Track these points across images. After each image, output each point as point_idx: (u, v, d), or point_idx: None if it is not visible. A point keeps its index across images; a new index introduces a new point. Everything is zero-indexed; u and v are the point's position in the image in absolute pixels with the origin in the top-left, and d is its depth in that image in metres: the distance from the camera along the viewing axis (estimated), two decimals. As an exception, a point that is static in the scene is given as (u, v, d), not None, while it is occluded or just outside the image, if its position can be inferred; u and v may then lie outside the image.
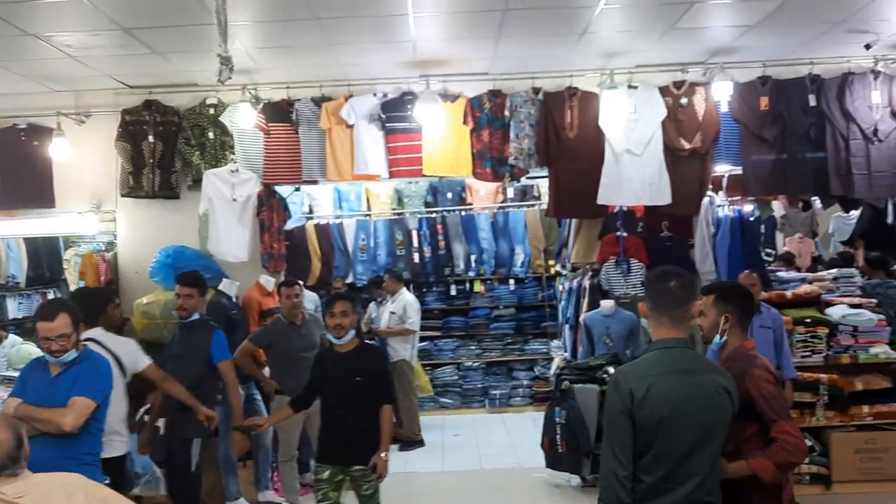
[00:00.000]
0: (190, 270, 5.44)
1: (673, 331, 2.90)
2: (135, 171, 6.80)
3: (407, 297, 8.34)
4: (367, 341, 4.93)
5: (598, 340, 6.82)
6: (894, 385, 6.05)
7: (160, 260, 6.52)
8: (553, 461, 6.39)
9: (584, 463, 6.25)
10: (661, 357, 2.86)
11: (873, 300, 6.28)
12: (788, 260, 8.74)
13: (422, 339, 9.31)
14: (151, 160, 6.81)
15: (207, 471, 6.08)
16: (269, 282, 6.66)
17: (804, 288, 6.50)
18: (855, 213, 8.22)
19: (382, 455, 4.30)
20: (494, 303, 9.92)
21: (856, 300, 6.27)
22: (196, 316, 5.13)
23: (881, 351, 6.04)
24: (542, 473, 6.56)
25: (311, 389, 4.59)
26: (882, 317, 6.12)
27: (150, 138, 6.76)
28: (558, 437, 6.29)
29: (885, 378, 6.06)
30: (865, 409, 5.98)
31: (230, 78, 4.52)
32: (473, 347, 9.85)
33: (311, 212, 9.73)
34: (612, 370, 6.35)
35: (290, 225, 8.54)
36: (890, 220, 7.32)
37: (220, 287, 6.24)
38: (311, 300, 7.58)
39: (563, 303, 8.43)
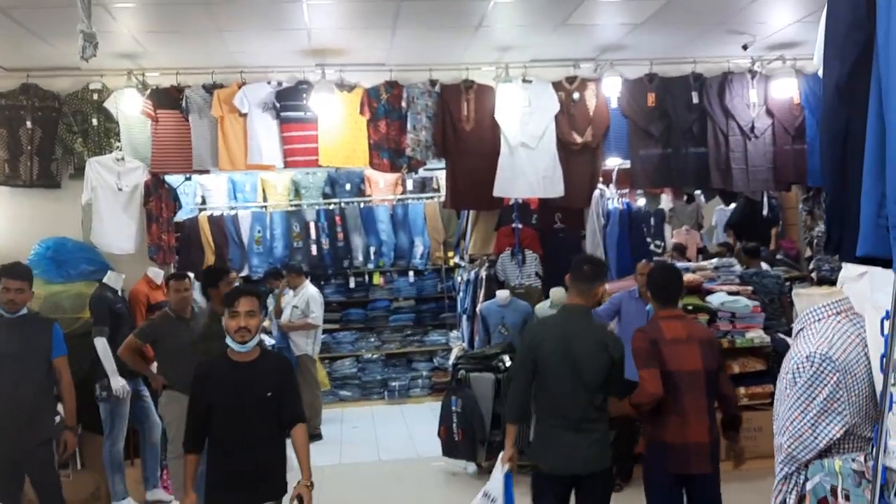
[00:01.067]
0: (17, 262, 5.04)
1: (579, 299, 3.86)
2: (11, 159, 6.44)
3: (310, 290, 8.23)
4: (266, 346, 4.03)
5: (494, 330, 6.93)
6: (768, 368, 6.42)
7: (40, 252, 6.21)
8: (449, 449, 6.46)
9: (479, 450, 6.35)
10: (562, 315, 3.94)
11: (749, 287, 6.64)
12: (681, 251, 9.11)
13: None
14: (29, 147, 6.47)
15: (92, 471, 5.87)
16: (157, 275, 6.44)
17: (687, 276, 6.80)
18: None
19: (308, 484, 3.49)
20: (394, 295, 9.94)
21: (734, 288, 6.61)
22: (25, 310, 4.71)
23: (756, 336, 6.39)
24: (440, 462, 6.62)
25: (200, 419, 3.58)
26: (757, 303, 6.48)
27: (28, 124, 6.42)
28: (454, 425, 6.37)
29: (759, 361, 6.43)
30: (742, 390, 6.32)
31: (94, 55, 4.32)
32: (373, 340, 9.84)
33: (203, 203, 9.46)
34: (507, 359, 6.48)
35: (181, 216, 8.31)
36: (765, 212, 7.76)
37: (105, 280, 5.98)
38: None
39: (461, 294, 8.53)
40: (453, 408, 6.39)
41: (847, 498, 1.85)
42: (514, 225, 7.24)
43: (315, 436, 7.94)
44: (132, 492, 5.88)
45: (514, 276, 7.18)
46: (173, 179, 7.17)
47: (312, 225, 9.44)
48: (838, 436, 2.12)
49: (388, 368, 9.79)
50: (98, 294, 5.85)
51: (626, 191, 7.76)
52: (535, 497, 4.10)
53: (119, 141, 6.52)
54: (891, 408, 1.75)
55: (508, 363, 6.43)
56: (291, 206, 9.66)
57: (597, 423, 3.72)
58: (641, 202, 8.73)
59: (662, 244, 9.86)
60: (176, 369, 5.51)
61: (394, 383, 9.68)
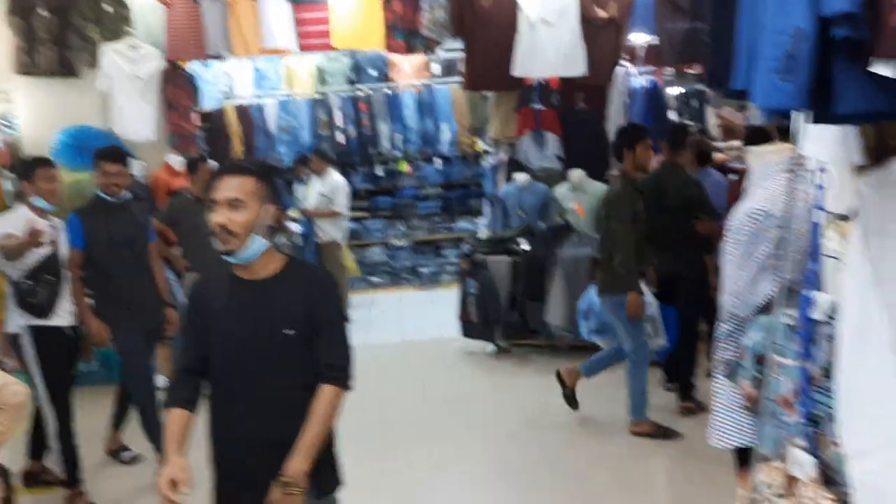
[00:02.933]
0: (110, 145, 5.08)
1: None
2: (28, 48, 6.47)
3: (336, 179, 8.25)
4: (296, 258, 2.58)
5: (513, 213, 6.91)
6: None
7: (63, 140, 6.33)
8: (467, 331, 6.59)
9: (496, 330, 6.46)
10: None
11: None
12: (729, 131, 8.61)
13: (350, 219, 9.35)
14: (45, 35, 6.48)
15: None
16: (177, 162, 6.52)
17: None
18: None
19: (288, 481, 2.18)
20: (421, 182, 9.94)
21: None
22: (129, 195, 4.59)
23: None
24: (459, 342, 6.78)
25: (193, 362, 2.39)
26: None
27: (41, 11, 6.41)
28: (472, 307, 6.46)
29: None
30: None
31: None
32: (401, 227, 9.93)
33: (230, 92, 9.45)
34: (524, 242, 6.48)
35: (207, 105, 8.33)
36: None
37: (125, 167, 6.09)
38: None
39: (486, 179, 8.48)
40: (470, 290, 6.47)
41: (780, 352, 1.83)
42: (533, 106, 7.08)
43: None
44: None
45: (534, 159, 7.08)
46: (196, 68, 7.15)
47: (338, 113, 9.38)
48: (775, 292, 2.07)
49: (416, 255, 9.91)
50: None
51: (653, 68, 7.45)
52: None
53: (133, 27, 6.49)
54: (817, 260, 1.70)
55: (526, 246, 6.44)
56: (317, 94, 9.59)
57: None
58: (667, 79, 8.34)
59: (701, 126, 9.54)
60: (196, 251, 5.65)
61: (423, 269, 9.81)
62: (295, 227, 8.23)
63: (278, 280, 2.29)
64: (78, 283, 4.27)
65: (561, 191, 6.65)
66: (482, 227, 9.12)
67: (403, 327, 7.85)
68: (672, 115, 7.68)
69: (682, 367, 5.06)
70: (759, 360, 1.92)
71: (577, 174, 6.45)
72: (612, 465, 4.16)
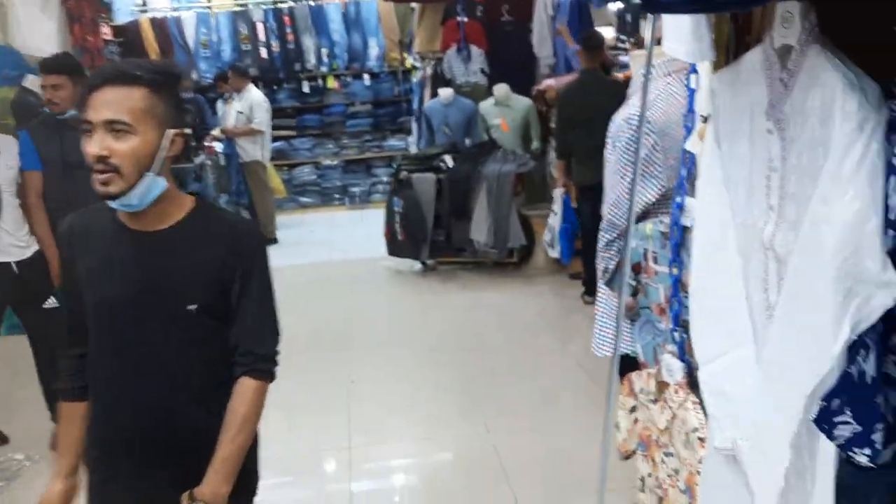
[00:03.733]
0: (54, 54, 4.47)
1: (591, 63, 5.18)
2: (-88, -45, 5.98)
3: (254, 95, 7.98)
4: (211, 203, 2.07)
5: (438, 129, 6.81)
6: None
7: (-41, 57, 5.93)
8: (394, 249, 6.56)
9: (422, 248, 6.45)
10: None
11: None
12: None
13: (276, 138, 9.11)
14: (-69, -58, 5.98)
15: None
16: None
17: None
18: None
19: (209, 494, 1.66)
20: (350, 99, 9.70)
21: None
22: (74, 111, 3.74)
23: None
24: (388, 262, 6.76)
25: (74, 333, 1.79)
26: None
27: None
28: (397, 225, 6.42)
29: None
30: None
31: None
32: (330, 146, 9.74)
33: (144, 5, 8.97)
34: (448, 159, 6.42)
35: (121, 19, 7.91)
36: None
37: (25, 84, 5.75)
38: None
39: (415, 95, 8.32)
40: (395, 208, 6.41)
41: (655, 260, 1.84)
42: (459, 19, 6.90)
43: (270, 240, 8.07)
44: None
45: (459, 74, 6.95)
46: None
47: (260, 26, 9.01)
48: (653, 200, 2.07)
49: (347, 175, 9.77)
50: (20, 99, 5.65)
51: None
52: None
53: (27, -68, 6.03)
54: (688, 165, 1.69)
55: (451, 164, 6.38)
56: (237, 6, 9.18)
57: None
58: None
59: (633, 41, 9.48)
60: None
61: (354, 189, 9.70)
62: (218, 148, 8.00)
63: (181, 233, 1.68)
64: (41, 211, 3.73)
65: (486, 106, 6.56)
66: (413, 145, 9.02)
67: (332, 247, 7.78)
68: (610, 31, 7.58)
69: (588, 268, 5.28)
70: (636, 269, 1.92)
71: (502, 89, 6.36)
72: (536, 379, 4.24)
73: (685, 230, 1.72)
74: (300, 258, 7.41)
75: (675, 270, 1.76)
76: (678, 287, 1.76)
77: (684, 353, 1.79)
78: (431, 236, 6.43)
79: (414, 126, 7.92)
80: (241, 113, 7.84)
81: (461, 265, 6.55)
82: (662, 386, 1.82)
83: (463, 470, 3.34)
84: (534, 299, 5.63)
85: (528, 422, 3.71)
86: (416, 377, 4.38)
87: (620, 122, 2.16)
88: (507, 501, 3.05)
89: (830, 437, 1.00)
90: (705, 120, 1.58)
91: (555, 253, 5.39)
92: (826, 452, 1.03)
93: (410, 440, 3.65)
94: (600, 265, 2.19)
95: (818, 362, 1.00)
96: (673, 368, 1.76)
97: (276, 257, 7.15)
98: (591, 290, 5.42)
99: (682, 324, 1.79)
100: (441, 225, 6.42)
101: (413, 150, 9.09)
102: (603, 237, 2.17)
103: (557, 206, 5.33)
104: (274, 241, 8.08)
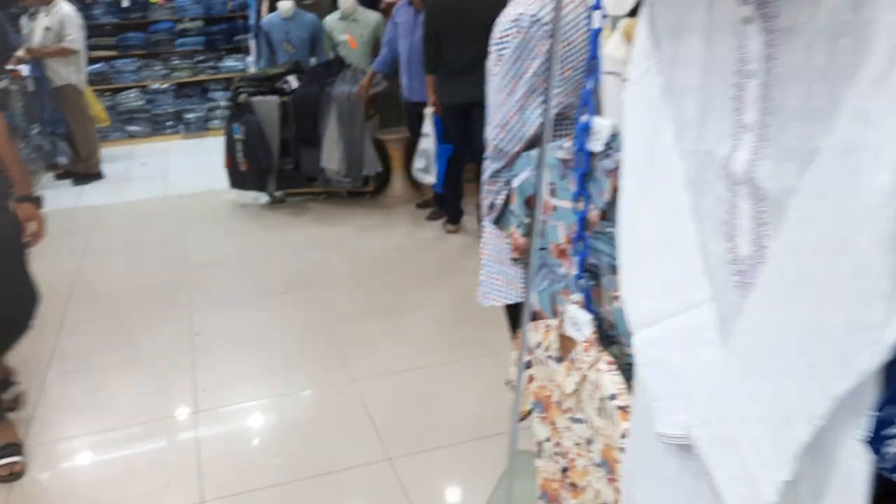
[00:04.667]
0: None
1: None
2: None
3: (64, 8, 6.93)
4: None
5: (279, 47, 6.18)
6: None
7: None
8: (236, 181, 5.97)
9: (268, 179, 5.91)
10: None
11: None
12: None
13: (94, 59, 8.08)
14: None
15: None
16: None
17: None
18: None
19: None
20: (177, 15, 8.72)
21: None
22: None
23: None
24: (229, 195, 6.17)
25: None
26: None
27: None
28: (239, 154, 5.82)
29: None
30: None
31: None
32: (159, 68, 8.77)
33: None
34: (292, 80, 5.84)
35: None
36: None
37: None
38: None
39: (251, 9, 7.54)
40: (236, 135, 5.79)
41: (553, 193, 1.53)
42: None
43: (94, 175, 7.20)
44: None
45: (300, -16, 6.29)
46: None
47: (64, -72, 7.81)
48: (549, 120, 1.76)
49: (180, 99, 8.88)
50: None
51: None
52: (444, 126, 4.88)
53: None
54: (594, 75, 1.37)
55: (295, 84, 5.82)
56: None
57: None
58: None
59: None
60: None
61: (189, 115, 8.84)
62: (24, 71, 6.96)
63: None
64: None
65: (331, 21, 6.00)
66: (252, 65, 8.26)
67: (167, 181, 7.04)
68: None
69: (450, 193, 5.05)
70: (529, 203, 1.61)
71: (347, 2, 5.80)
72: (387, 317, 3.93)
73: (592, 156, 1.40)
74: (129, 195, 6.66)
75: (579, 206, 1.44)
76: (584, 225, 1.46)
77: (591, 302, 1.51)
78: (278, 165, 5.89)
79: (252, 44, 7.19)
80: (48, 29, 6.81)
81: (313, 196, 6.07)
82: (567, 342, 1.54)
83: (326, 423, 3.01)
84: (394, 231, 5.29)
85: (391, 367, 3.40)
86: (266, 323, 3.95)
87: (507, 25, 1.79)
88: (375, 453, 2.76)
89: (877, 453, 0.74)
90: (628, 16, 1.26)
91: (430, 178, 5.02)
92: (844, 463, 0.76)
93: (265, 395, 3.26)
94: (486, 200, 1.84)
95: (852, 353, 0.71)
96: (580, 321, 1.47)
97: (101, 194, 6.44)
98: (454, 218, 5.17)
99: (588, 268, 1.49)
100: (288, 153, 5.88)
101: (253, 70, 8.37)
102: (489, 166, 1.83)
103: (429, 127, 4.93)
104: (99, 175, 7.22)
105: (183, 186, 6.79)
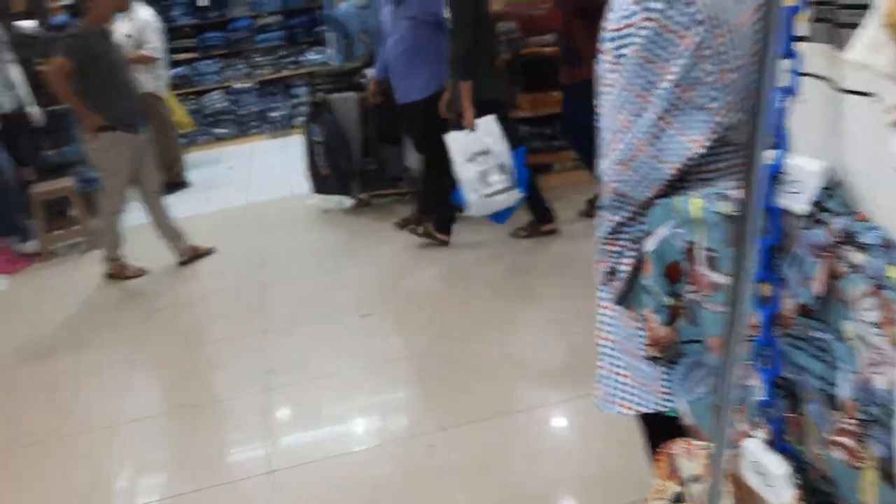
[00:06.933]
0: None
1: None
2: None
3: (143, 14, 6.74)
4: None
5: (356, 38, 5.74)
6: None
7: None
8: (319, 186, 5.60)
9: (351, 182, 5.51)
10: None
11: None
12: None
13: (176, 63, 7.90)
14: None
15: None
16: None
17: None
18: None
19: None
20: (256, 10, 8.44)
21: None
22: None
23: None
24: (314, 200, 5.81)
25: None
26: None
27: None
28: (320, 158, 5.44)
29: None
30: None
31: None
32: (241, 66, 8.53)
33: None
34: (370, 74, 5.40)
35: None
36: None
37: None
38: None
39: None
40: (315, 138, 5.42)
41: (713, 264, 0.98)
42: None
43: (178, 184, 7.01)
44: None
45: (374, -31, 5.83)
46: None
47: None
48: (701, 151, 1.17)
49: (264, 98, 8.62)
50: None
51: None
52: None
53: None
54: (793, 85, 0.81)
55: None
56: None
57: None
58: None
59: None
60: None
61: (273, 114, 8.58)
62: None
63: None
64: None
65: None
66: (335, 57, 7.91)
67: (251, 187, 6.77)
68: None
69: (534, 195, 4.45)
70: (673, 275, 1.06)
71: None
72: (485, 342, 3.44)
73: (787, 218, 0.86)
74: (213, 204, 6.41)
75: (765, 292, 0.91)
76: (772, 323, 0.92)
77: (784, 435, 0.96)
78: (361, 166, 5.49)
79: (330, 36, 6.80)
80: (129, 37, 6.62)
81: (398, 197, 5.63)
82: (745, 491, 1.01)
83: (413, 482, 2.55)
84: (489, 236, 4.76)
85: (487, 410, 2.91)
86: (348, 352, 3.53)
87: (628, 9, 1.20)
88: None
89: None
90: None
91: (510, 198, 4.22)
92: None
93: (345, 447, 2.84)
94: (603, 264, 1.28)
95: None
96: (770, 471, 0.94)
97: (185, 204, 6.17)
98: (545, 216, 4.57)
99: (781, 385, 0.95)
100: (371, 152, 5.46)
101: (336, 64, 8.02)
102: (606, 219, 1.25)
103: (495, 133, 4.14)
104: (183, 184, 7.02)
105: (267, 192, 6.49)
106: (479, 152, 4.06)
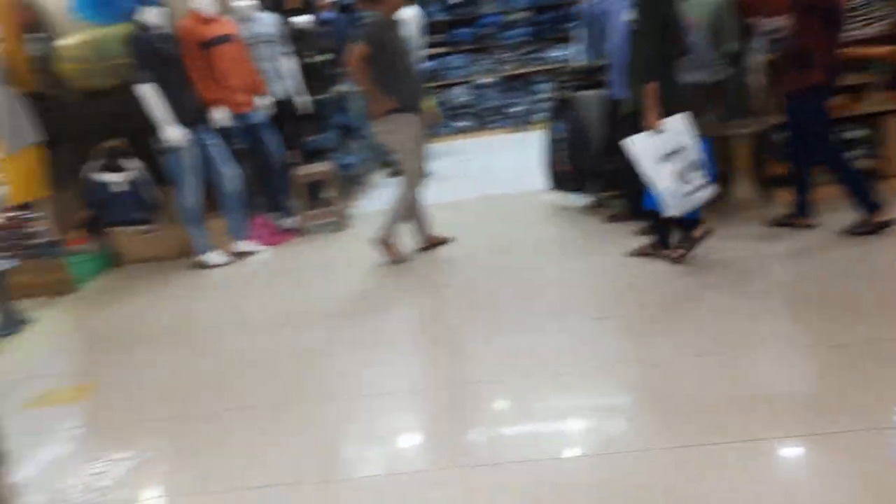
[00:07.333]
0: None
1: None
2: None
3: (410, 11, 7.11)
4: None
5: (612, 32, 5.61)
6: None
7: (80, -9, 5.49)
8: (557, 182, 5.59)
9: (590, 181, 5.43)
10: None
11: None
12: None
13: (428, 57, 8.27)
14: None
15: (179, 226, 5.59)
16: (207, 5, 5.53)
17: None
18: None
19: None
20: (505, 6, 8.59)
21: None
22: None
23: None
24: (550, 196, 5.80)
25: None
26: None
27: None
28: (560, 154, 5.42)
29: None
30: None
31: None
32: (486, 61, 8.73)
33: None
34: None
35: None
36: None
37: (142, 18, 5.21)
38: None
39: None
40: (557, 134, 5.41)
41: None
42: None
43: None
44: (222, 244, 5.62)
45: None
46: None
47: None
48: None
49: (505, 93, 8.76)
50: (135, 34, 5.15)
51: None
52: None
53: None
54: None
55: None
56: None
57: None
58: None
59: None
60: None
61: (513, 109, 8.70)
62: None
63: None
64: None
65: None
66: (580, 54, 7.83)
67: (487, 179, 6.91)
68: None
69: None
70: None
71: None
72: (745, 352, 3.23)
73: None
74: (448, 194, 6.60)
75: None
76: None
77: None
78: (600, 166, 5.38)
79: (580, 33, 6.71)
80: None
81: (637, 200, 5.45)
82: None
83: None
84: (744, 244, 4.46)
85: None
86: (585, 349, 3.47)
87: None
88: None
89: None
90: None
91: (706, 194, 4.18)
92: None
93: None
94: None
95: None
96: None
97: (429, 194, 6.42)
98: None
99: None
100: (613, 152, 5.33)
101: (581, 61, 7.93)
102: None
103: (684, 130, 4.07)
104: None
105: (502, 185, 6.59)
106: (671, 151, 3.97)
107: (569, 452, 2.78)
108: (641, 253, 4.43)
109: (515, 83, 8.75)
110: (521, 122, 8.66)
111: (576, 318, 3.84)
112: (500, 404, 3.18)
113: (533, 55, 8.65)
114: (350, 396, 3.37)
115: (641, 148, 3.96)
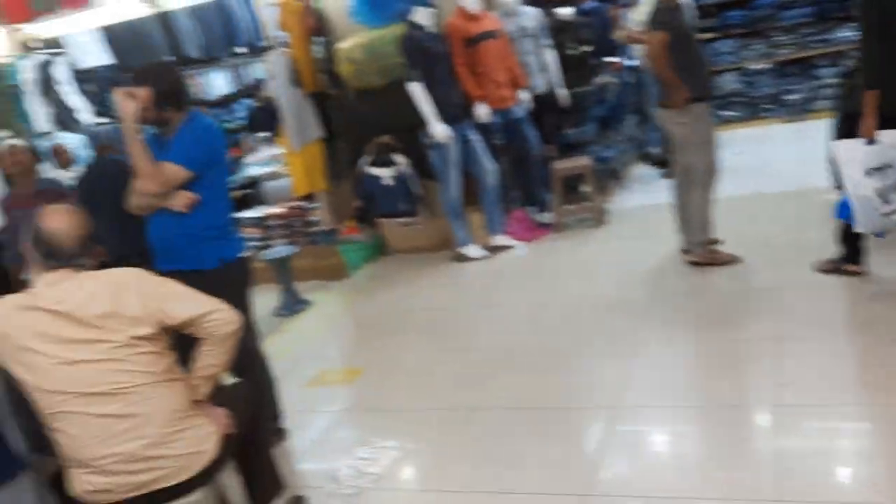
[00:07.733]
0: None
1: None
2: None
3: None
4: None
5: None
6: None
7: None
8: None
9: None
10: None
11: None
12: None
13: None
14: None
15: (441, 219, 5.76)
16: (472, 3, 5.62)
17: None
18: None
19: None
20: (786, -15, 7.85)
21: None
22: None
23: None
24: (832, 195, 5.18)
25: None
26: None
27: None
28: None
29: None
30: None
31: None
32: (759, 46, 8.05)
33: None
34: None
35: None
36: None
37: (411, 18, 5.42)
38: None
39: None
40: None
41: None
42: None
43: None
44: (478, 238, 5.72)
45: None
46: None
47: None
48: None
49: (781, 79, 8.02)
50: (407, 34, 5.37)
51: None
52: None
53: None
54: None
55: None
56: None
57: None
58: None
59: None
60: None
61: (789, 97, 7.93)
62: (623, 61, 7.02)
63: None
64: None
65: None
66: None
67: (761, 175, 6.34)
68: None
69: None
70: None
71: None
72: None
73: None
74: (721, 190, 6.14)
75: None
76: None
77: None
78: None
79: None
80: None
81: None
82: None
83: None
84: None
85: None
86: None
87: None
88: None
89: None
90: None
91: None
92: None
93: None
94: None
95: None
96: None
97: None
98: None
99: None
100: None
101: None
102: None
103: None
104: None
105: (778, 182, 6.02)
106: (879, 166, 3.52)
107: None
108: (825, 269, 4.09)
109: (792, 68, 7.97)
110: (798, 111, 7.87)
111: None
112: (767, 432, 2.87)
113: (815, 37, 7.80)
114: (614, 405, 3.24)
115: (847, 154, 3.60)
